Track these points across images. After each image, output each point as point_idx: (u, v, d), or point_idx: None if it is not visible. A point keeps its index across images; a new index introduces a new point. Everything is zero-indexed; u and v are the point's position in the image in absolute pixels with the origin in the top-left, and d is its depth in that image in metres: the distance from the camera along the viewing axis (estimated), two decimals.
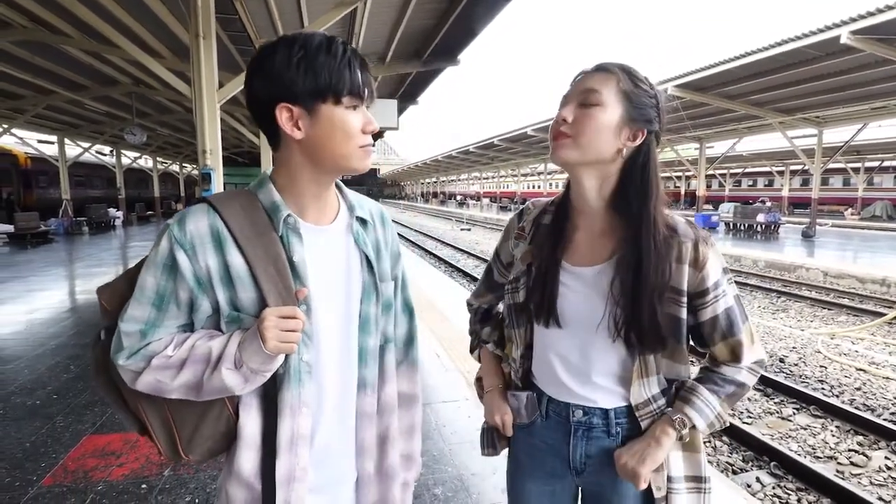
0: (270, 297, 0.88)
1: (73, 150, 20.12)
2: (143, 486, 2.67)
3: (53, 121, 16.39)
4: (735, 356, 1.07)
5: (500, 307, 1.36)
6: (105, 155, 24.90)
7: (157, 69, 6.54)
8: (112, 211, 21.04)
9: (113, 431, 3.25)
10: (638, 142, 1.04)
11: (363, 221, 1.04)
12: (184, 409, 0.94)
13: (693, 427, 1.05)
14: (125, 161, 24.03)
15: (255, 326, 0.86)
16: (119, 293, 0.95)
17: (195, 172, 35.49)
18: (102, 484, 2.67)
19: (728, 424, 1.07)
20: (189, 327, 0.94)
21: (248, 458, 0.93)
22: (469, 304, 1.41)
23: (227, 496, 0.95)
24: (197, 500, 2.55)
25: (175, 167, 32.24)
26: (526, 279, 1.15)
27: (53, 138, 18.69)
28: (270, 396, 0.93)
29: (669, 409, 1.08)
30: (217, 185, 5.64)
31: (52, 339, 5.29)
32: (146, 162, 27.38)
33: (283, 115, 0.89)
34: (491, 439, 1.29)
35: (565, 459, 1.15)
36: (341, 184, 1.05)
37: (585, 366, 1.11)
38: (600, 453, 1.12)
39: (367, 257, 1.02)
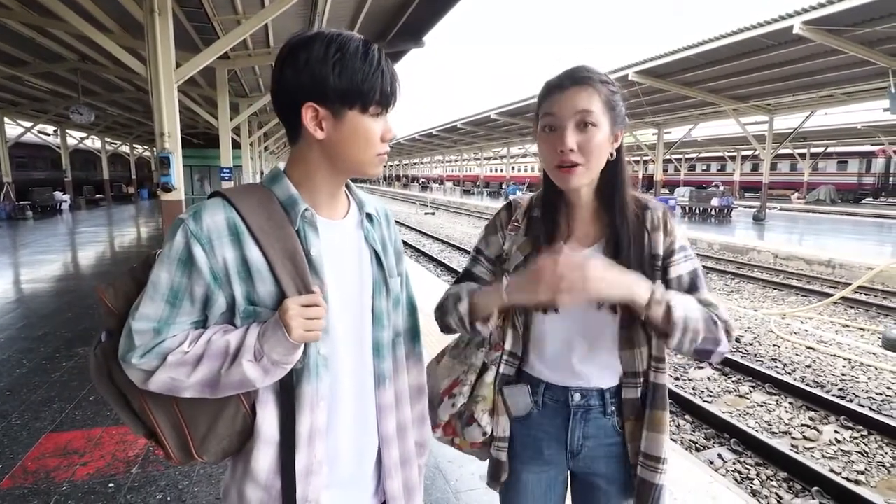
0: (290, 291, 0.88)
1: (13, 129, 19.03)
2: (111, 484, 2.57)
3: None
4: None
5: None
6: (49, 135, 23.56)
7: (107, 44, 6.13)
8: (58, 194, 20.00)
9: (74, 429, 3.12)
10: (619, 142, 1.13)
11: (370, 218, 1.05)
12: (196, 409, 0.92)
13: (668, 310, 0.98)
14: (71, 141, 22.77)
15: (275, 317, 0.86)
16: (123, 292, 0.92)
17: (147, 154, 34.08)
18: (66, 484, 2.56)
19: (697, 342, 1.01)
20: (202, 324, 0.92)
21: (265, 455, 0.92)
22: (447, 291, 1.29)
23: (242, 498, 0.93)
24: (169, 498, 2.48)
25: (125, 148, 30.77)
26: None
27: None
28: (287, 391, 0.92)
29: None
30: (176, 169, 5.41)
31: None
32: (94, 143, 26.01)
33: (307, 114, 0.88)
34: (497, 470, 1.26)
35: (563, 443, 1.20)
36: (349, 181, 1.04)
37: (583, 345, 1.15)
38: (597, 433, 1.19)
39: (376, 253, 1.03)
